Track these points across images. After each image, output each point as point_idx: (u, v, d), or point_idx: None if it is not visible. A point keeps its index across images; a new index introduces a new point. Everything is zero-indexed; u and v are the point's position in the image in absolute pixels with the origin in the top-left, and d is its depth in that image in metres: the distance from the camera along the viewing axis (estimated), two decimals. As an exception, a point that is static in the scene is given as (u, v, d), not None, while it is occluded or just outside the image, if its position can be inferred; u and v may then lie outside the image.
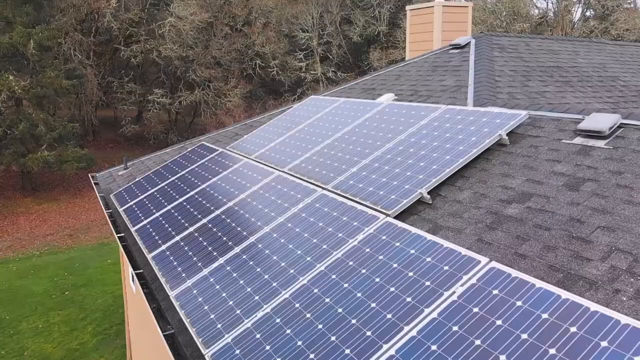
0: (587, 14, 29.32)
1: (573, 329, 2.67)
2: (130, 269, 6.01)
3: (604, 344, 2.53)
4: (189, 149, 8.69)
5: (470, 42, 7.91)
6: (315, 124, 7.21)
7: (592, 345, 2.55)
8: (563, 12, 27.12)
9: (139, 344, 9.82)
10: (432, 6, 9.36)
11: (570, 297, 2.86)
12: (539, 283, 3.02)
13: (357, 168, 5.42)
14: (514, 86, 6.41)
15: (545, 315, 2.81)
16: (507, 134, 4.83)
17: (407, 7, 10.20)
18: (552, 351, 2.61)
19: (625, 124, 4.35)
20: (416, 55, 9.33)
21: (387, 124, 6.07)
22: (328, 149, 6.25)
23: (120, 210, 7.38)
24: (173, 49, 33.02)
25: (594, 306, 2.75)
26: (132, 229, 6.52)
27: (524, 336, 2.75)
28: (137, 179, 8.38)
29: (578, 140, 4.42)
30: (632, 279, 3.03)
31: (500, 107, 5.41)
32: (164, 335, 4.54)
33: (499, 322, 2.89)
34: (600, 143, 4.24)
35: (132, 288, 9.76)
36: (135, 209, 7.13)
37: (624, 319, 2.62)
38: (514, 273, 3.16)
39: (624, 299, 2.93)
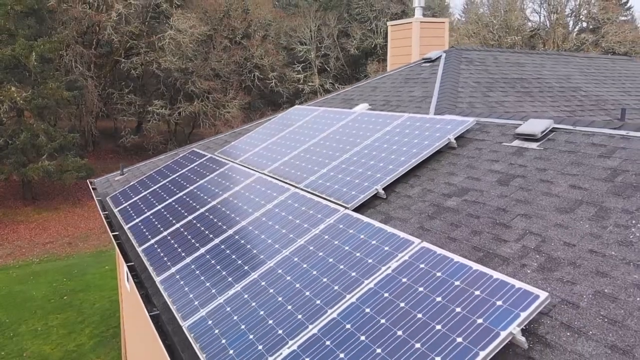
0: (579, 26, 30.09)
1: (477, 292, 3.30)
2: (125, 268, 6.62)
3: (499, 303, 3.16)
4: (180, 155, 9.36)
5: (441, 56, 8.59)
6: (296, 131, 7.87)
7: (490, 304, 3.17)
8: (555, 25, 27.86)
9: (133, 341, 10.41)
10: (411, 22, 10.06)
11: (480, 268, 3.49)
12: (456, 258, 3.65)
13: (327, 169, 6.07)
14: (474, 96, 7.06)
15: (457, 283, 3.43)
16: (456, 138, 5.48)
17: (388, 23, 10.90)
18: (458, 309, 3.23)
19: (557, 128, 5.00)
20: (396, 67, 10.01)
21: (357, 131, 6.73)
22: (304, 152, 6.90)
23: (115, 210, 8.03)
24: (173, 61, 33.82)
25: (495, 274, 3.38)
26: (125, 227, 7.16)
27: (438, 299, 3.38)
28: (131, 183, 9.04)
29: (516, 142, 5.06)
30: (537, 256, 3.66)
31: (454, 115, 6.06)
32: (150, 316, 5.16)
33: (420, 289, 3.52)
34: (534, 145, 4.89)
35: (127, 287, 10.38)
36: (129, 209, 7.78)
37: (518, 284, 3.24)
38: (439, 251, 3.79)
39: (528, 271, 3.56)
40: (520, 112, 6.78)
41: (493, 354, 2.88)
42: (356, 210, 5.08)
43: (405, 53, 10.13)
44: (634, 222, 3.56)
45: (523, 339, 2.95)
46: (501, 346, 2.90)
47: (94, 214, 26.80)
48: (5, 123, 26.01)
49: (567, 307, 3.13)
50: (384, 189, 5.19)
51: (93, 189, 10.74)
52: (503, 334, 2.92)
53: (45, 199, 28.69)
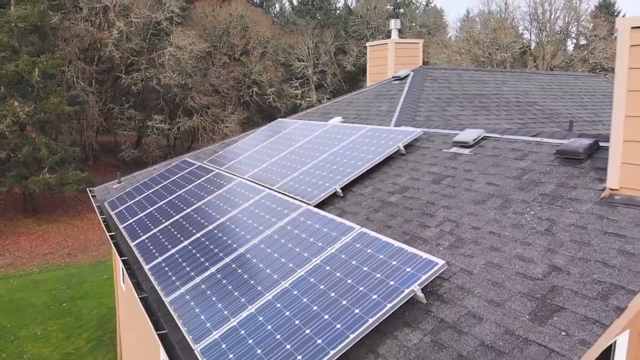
0: (570, 43, 31.21)
1: (394, 262, 4.21)
2: (121, 264, 7.53)
3: (408, 269, 4.07)
4: (173, 164, 10.31)
5: (409, 74, 9.56)
6: (276, 141, 8.83)
7: (401, 270, 4.08)
8: (544, 43, 28.97)
9: (127, 338, 11.27)
10: (387, 43, 11.05)
11: (400, 245, 4.40)
12: (384, 239, 4.56)
13: (298, 173, 7.00)
14: (433, 110, 8.00)
15: (381, 256, 4.35)
16: (405, 146, 6.43)
17: (367, 44, 11.91)
18: (378, 275, 4.14)
19: (487, 136, 5.93)
20: (372, 84, 11.00)
21: (327, 140, 7.68)
22: (281, 160, 7.84)
23: (112, 213, 8.96)
24: (172, 77, 34.95)
25: (410, 249, 4.29)
26: (120, 227, 8.09)
27: (365, 268, 4.29)
28: (127, 190, 9.98)
29: (453, 149, 5.99)
30: (450, 237, 4.57)
31: (408, 127, 7.01)
32: (140, 298, 6.06)
33: (353, 262, 4.43)
34: (466, 151, 5.81)
35: (122, 288, 11.26)
36: (124, 212, 8.70)
37: (425, 255, 4.15)
38: (372, 234, 4.71)
39: (441, 249, 4.47)
40: (473, 124, 7.71)
41: (398, 305, 3.78)
42: (317, 206, 6.00)
43: (382, 71, 11.10)
44: (528, 209, 4.48)
45: (422, 295, 3.86)
46: (404, 300, 3.80)
47: (93, 226, 27.69)
48: (7, 137, 27.04)
49: (463, 274, 4.04)
50: (341, 188, 6.12)
51: (92, 196, 11.68)
52: (407, 291, 3.83)
53: (45, 212, 29.59)
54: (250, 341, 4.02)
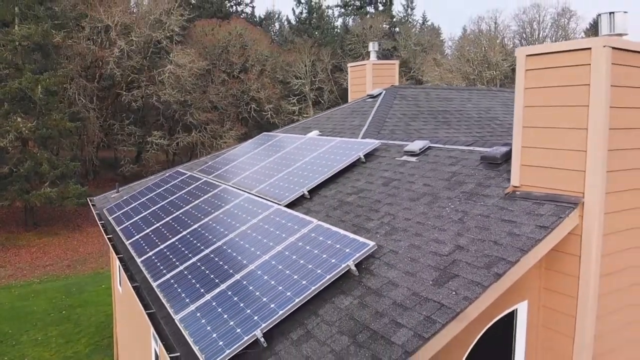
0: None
1: (337, 246, 5.23)
2: (118, 265, 8.53)
3: (347, 250, 5.09)
4: (167, 174, 11.37)
5: (381, 93, 10.65)
6: (259, 152, 9.90)
7: (342, 251, 5.10)
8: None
9: (123, 336, 12.23)
10: (365, 64, 12.17)
11: (345, 233, 5.42)
12: (334, 229, 5.59)
13: (274, 179, 8.05)
14: (398, 125, 9.06)
15: (329, 242, 5.37)
16: (365, 155, 7.48)
17: (348, 64, 13.03)
18: (324, 256, 5.16)
19: (432, 146, 6.98)
20: (351, 101, 12.09)
21: (303, 151, 8.74)
22: (261, 168, 8.90)
23: (110, 218, 10.00)
24: (172, 94, 36.19)
25: (351, 235, 5.32)
26: (117, 229, 9.13)
27: (315, 251, 5.31)
28: (124, 197, 11.03)
29: (403, 157, 7.04)
30: (387, 227, 5.60)
31: (369, 139, 8.07)
32: (133, 286, 7.06)
33: (307, 247, 5.45)
34: (413, 159, 6.86)
35: (119, 290, 12.25)
36: (121, 216, 9.75)
37: (361, 239, 5.18)
38: (326, 226, 5.74)
39: (378, 236, 5.49)
40: (433, 137, 8.75)
41: (335, 277, 4.80)
42: (287, 206, 7.04)
43: (361, 90, 12.20)
44: (449, 204, 5.50)
45: (355, 269, 4.88)
46: (340, 273, 4.82)
47: (93, 239, 28.68)
48: (10, 152, 28.19)
49: (390, 254, 5.06)
50: (309, 191, 7.16)
51: (92, 205, 12.74)
52: (343, 265, 4.85)
53: (46, 225, 30.59)
54: (219, 309, 5.03)
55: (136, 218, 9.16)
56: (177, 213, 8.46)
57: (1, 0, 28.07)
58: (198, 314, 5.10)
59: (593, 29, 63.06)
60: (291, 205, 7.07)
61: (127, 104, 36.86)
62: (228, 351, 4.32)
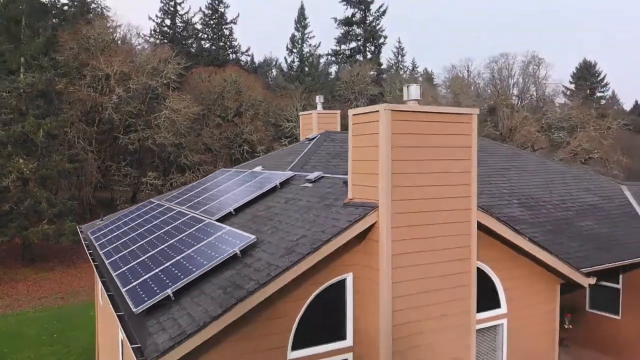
0: (525, 104, 35.54)
1: (232, 240, 7.93)
2: (99, 283, 11.16)
3: (237, 241, 7.79)
4: (140, 204, 14.17)
5: (316, 136, 13.50)
6: (212, 183, 12.70)
7: (234, 242, 7.79)
8: (501, 105, 33.27)
9: (102, 341, 14.76)
10: (311, 113, 15.09)
11: (241, 232, 8.12)
12: (238, 231, 8.30)
13: (215, 202, 10.82)
14: (320, 162, 11.86)
15: (230, 238, 8.07)
16: (281, 183, 10.26)
17: (300, 113, 15.97)
18: (222, 246, 7.85)
19: (324, 176, 9.73)
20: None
21: (242, 182, 11.53)
22: (210, 196, 11.67)
23: (91, 237, 12.75)
24: (167, 137, 39.31)
25: (245, 234, 8.02)
26: (96, 244, 11.85)
27: (219, 245, 8.00)
28: (105, 223, 13.81)
29: (304, 184, 9.79)
30: (273, 229, 8.29)
31: (287, 171, 10.86)
32: (102, 281, 9.72)
33: (216, 243, 8.15)
34: (310, 184, 9.61)
35: (100, 302, 14.85)
36: (101, 237, 12.49)
37: (246, 235, 7.87)
38: (234, 229, 8.46)
39: (265, 235, 8.18)
40: (340, 170, 11.50)
41: (225, 258, 7.48)
42: (218, 220, 9.76)
43: (310, 135, 15.08)
44: (314, 212, 8.20)
45: (240, 253, 7.57)
46: (229, 256, 7.51)
47: (86, 274, 31.23)
48: (11, 191, 31.13)
49: (267, 243, 7.77)
50: (235, 210, 9.91)
51: (80, 231, 15.51)
52: (231, 251, 7.56)
53: (42, 261, 33.21)
54: (150, 282, 7.70)
55: (110, 236, 11.91)
56: (140, 230, 11.20)
57: (8, 50, 31.60)
58: (138, 287, 7.77)
59: (585, 71, 66.55)
60: (221, 219, 9.81)
61: (124, 147, 39.98)
62: (149, 302, 6.97)
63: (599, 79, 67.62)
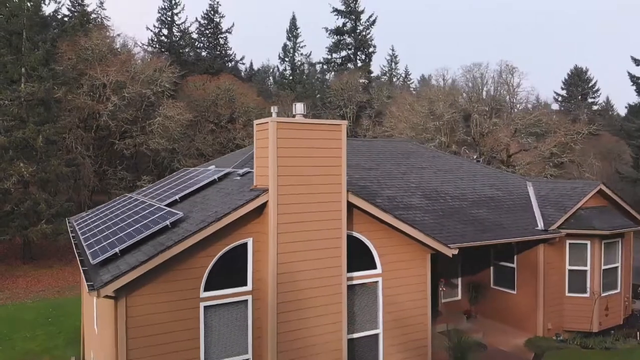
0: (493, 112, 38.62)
1: (167, 216, 11.10)
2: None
3: (169, 217, 10.96)
4: (117, 197, 17.42)
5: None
6: (173, 179, 15.91)
7: (167, 217, 10.95)
8: (473, 112, 36.26)
9: (86, 323, 17.97)
10: (268, 121, 18.25)
11: (174, 210, 11.30)
12: (175, 211, 11.48)
13: (167, 193, 14.01)
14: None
15: (166, 215, 11.24)
16: (219, 177, 13.44)
17: (254, 121, 19.15)
18: (160, 220, 11.02)
19: (250, 171, 12.85)
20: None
21: (193, 177, 14.71)
22: (167, 189, 14.86)
23: (75, 224, 15.97)
24: (161, 142, 42.64)
25: (175, 211, 11.19)
26: (76, 227, 15.06)
27: (159, 220, 11.17)
28: (88, 213, 17.05)
29: (236, 177, 12.95)
30: (201, 209, 11.45)
31: (226, 168, 14.02)
32: (80, 260, 12.91)
33: (158, 220, 11.32)
34: (239, 178, 12.76)
35: (86, 288, 18.06)
36: (81, 222, 15.70)
37: (177, 212, 11.05)
38: (173, 210, 11.63)
39: (194, 212, 11.35)
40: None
41: (159, 228, 10.67)
42: (167, 205, 12.92)
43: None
44: (231, 195, 11.33)
45: (170, 225, 10.75)
46: (163, 226, 10.72)
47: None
48: (12, 193, 34.52)
49: (192, 219, 10.92)
50: (180, 198, 13.09)
51: (68, 222, 18.76)
52: (163, 223, 10.76)
53: (41, 259, 36.56)
54: (105, 244, 10.86)
55: (88, 220, 15.15)
56: (111, 215, 14.42)
57: (10, 62, 35.06)
58: (98, 250, 10.94)
59: (577, 77, 69.30)
60: (169, 205, 12.99)
61: (120, 152, 43.36)
62: (103, 255, 10.13)
63: (589, 85, 70.32)
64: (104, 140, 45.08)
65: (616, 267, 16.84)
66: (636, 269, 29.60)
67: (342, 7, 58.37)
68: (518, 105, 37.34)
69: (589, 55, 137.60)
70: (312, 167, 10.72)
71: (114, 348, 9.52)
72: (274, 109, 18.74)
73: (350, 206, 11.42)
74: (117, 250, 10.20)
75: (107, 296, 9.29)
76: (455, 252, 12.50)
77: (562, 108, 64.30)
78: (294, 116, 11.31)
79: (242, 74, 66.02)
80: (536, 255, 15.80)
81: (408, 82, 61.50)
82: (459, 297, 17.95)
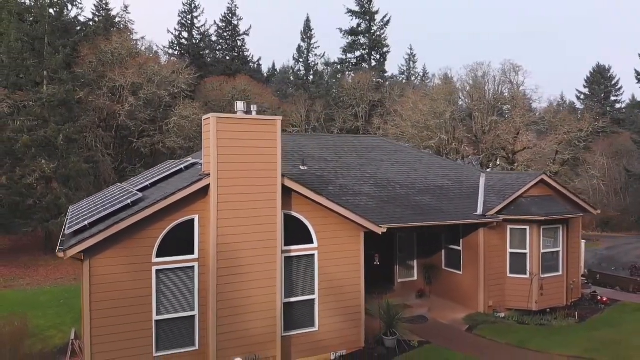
0: (495, 110, 40.11)
1: (132, 197, 13.54)
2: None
3: (132, 196, 13.39)
4: (109, 187, 20.03)
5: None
6: (154, 170, 18.42)
7: (130, 198, 13.37)
8: (474, 110, 37.84)
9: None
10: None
11: (136, 191, 13.72)
12: (140, 193, 13.90)
13: (141, 180, 16.48)
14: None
15: (133, 196, 13.69)
16: (185, 167, 15.85)
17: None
18: (128, 201, 13.47)
19: (195, 163, 15.21)
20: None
21: (169, 168, 17.16)
22: (147, 177, 17.36)
23: (71, 208, 18.61)
24: (177, 141, 45.48)
25: (139, 193, 13.61)
26: (70, 210, 17.67)
27: (126, 200, 13.63)
28: (85, 199, 19.70)
29: (199, 167, 15.30)
30: (162, 189, 13.86)
31: (193, 159, 16.40)
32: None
33: (127, 200, 13.78)
34: (200, 167, 15.12)
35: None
36: (76, 206, 18.32)
37: (138, 192, 13.46)
38: (140, 193, 14.06)
39: (156, 193, 13.77)
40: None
41: (122, 206, 13.12)
42: (139, 190, 15.37)
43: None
44: (188, 179, 13.70)
45: (131, 203, 13.18)
46: (125, 204, 13.14)
47: (98, 261, 37.36)
48: (35, 188, 37.75)
49: (151, 198, 13.32)
50: (150, 184, 15.55)
51: (69, 208, 21.45)
52: (126, 201, 13.21)
53: (62, 250, 39.65)
54: (81, 218, 13.35)
55: (79, 205, 17.75)
56: (95, 200, 16.97)
57: (33, 65, 38.31)
58: (74, 223, 13.41)
59: (599, 75, 69.78)
60: (141, 190, 15.45)
61: (138, 150, 46.36)
62: (75, 227, 12.61)
63: (612, 82, 70.56)
64: (124, 139, 48.17)
65: (557, 252, 18.61)
66: (606, 258, 31.03)
67: (357, 8, 60.56)
68: (521, 103, 38.67)
69: (612, 53, 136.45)
70: (250, 155, 13.04)
71: (86, 302, 12.04)
72: (237, 105, 21.07)
73: (290, 190, 13.70)
74: (86, 223, 12.68)
75: (75, 258, 11.77)
76: (384, 230, 14.59)
77: (584, 106, 65.00)
78: (236, 112, 13.61)
79: (265, 74, 68.68)
80: (477, 239, 17.72)
81: (426, 81, 63.17)
82: (415, 277, 19.98)
